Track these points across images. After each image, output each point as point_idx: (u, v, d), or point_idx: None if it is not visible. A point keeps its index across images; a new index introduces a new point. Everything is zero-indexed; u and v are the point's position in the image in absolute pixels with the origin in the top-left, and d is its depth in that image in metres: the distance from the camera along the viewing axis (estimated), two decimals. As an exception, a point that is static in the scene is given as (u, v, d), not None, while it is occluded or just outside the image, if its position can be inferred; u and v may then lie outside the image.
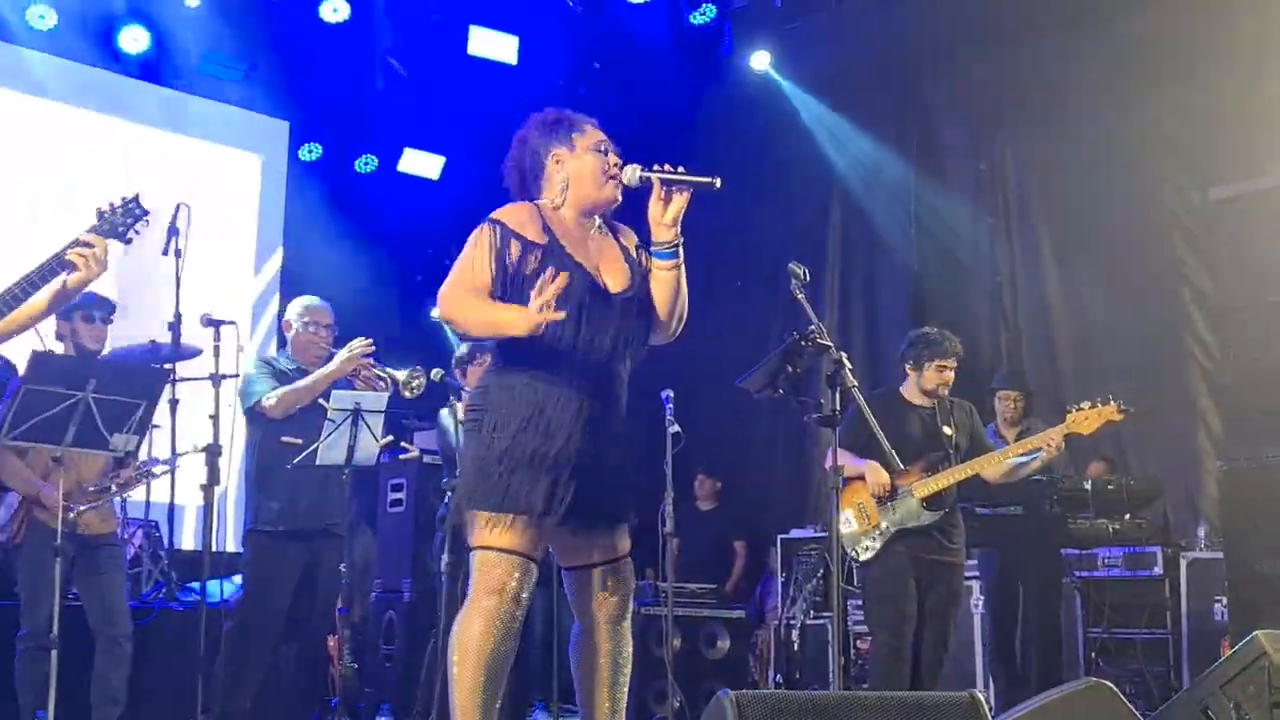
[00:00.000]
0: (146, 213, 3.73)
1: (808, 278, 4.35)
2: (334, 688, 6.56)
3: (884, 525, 5.67)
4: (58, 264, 3.53)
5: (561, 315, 3.37)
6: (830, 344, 4.32)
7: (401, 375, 5.83)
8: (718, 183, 3.49)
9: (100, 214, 3.69)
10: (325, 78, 9.91)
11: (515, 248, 3.50)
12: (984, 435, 6.08)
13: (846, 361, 4.25)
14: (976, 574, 7.18)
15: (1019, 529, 6.89)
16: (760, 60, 9.59)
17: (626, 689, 3.63)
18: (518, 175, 3.71)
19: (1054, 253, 8.70)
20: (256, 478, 5.78)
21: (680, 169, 3.54)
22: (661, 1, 9.51)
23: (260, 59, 9.62)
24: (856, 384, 4.25)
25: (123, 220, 3.69)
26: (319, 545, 5.74)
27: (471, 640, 3.40)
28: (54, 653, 5.01)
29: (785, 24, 9.51)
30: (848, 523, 5.72)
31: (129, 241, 3.72)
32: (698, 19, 9.53)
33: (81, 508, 5.28)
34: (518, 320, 3.38)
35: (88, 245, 3.57)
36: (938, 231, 9.24)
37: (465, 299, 3.48)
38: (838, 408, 4.31)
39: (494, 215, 3.58)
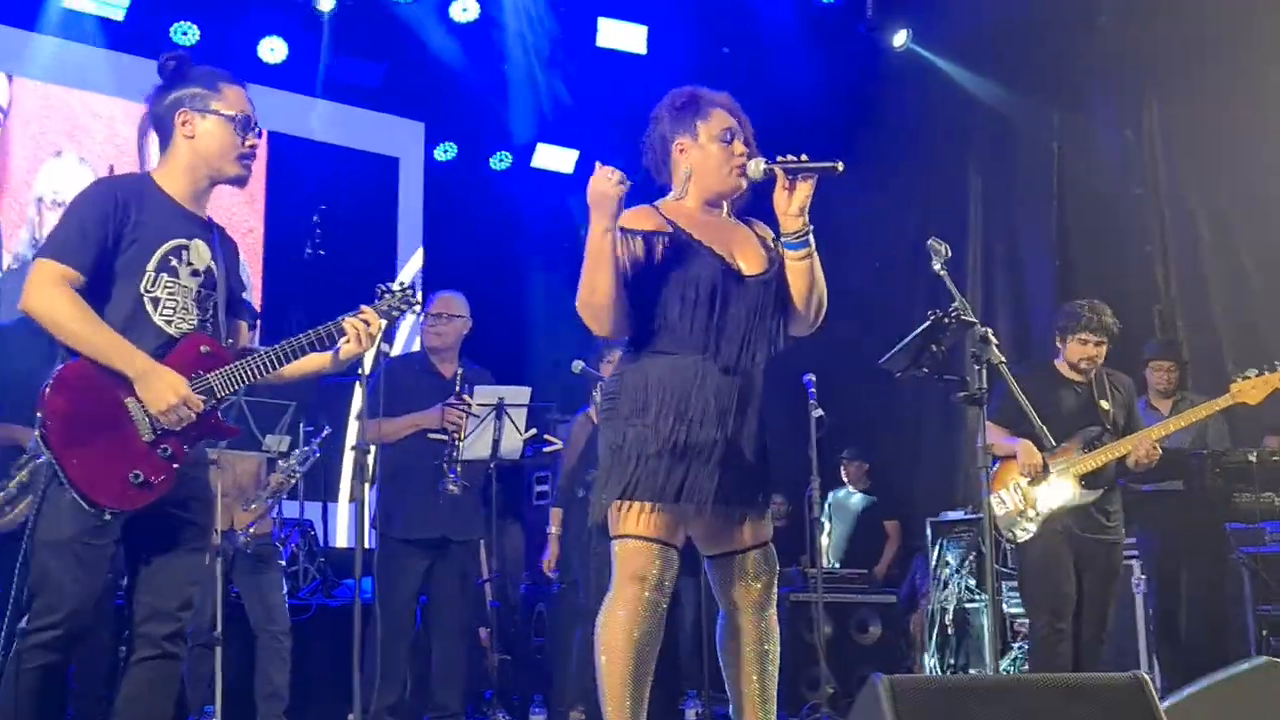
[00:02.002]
0: (419, 303, 3.90)
1: (949, 253, 4.25)
2: (488, 680, 6.64)
3: (1040, 506, 5.55)
4: (337, 330, 3.65)
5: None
6: (974, 320, 4.22)
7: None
8: (840, 167, 3.43)
9: (379, 294, 3.82)
10: (457, 77, 10.02)
11: (638, 244, 3.49)
12: (1139, 412, 5.90)
13: (992, 337, 4.15)
14: (1136, 553, 6.99)
15: (1180, 505, 6.68)
16: (899, 35, 9.42)
17: (776, 676, 3.59)
18: (651, 155, 3.71)
19: (1207, 219, 8.38)
20: (381, 479, 5.93)
21: (803, 156, 3.49)
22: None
23: (393, 61, 9.77)
24: (1004, 359, 4.14)
25: (397, 305, 3.83)
26: (437, 553, 5.85)
27: (616, 629, 3.39)
28: (218, 650, 5.17)
29: (922, -4, 9.36)
30: (1002, 504, 5.62)
31: (395, 326, 3.85)
32: (827, -3, 9.43)
33: (245, 534, 5.41)
34: (594, 218, 3.36)
35: (365, 321, 3.68)
36: (1083, 202, 8.98)
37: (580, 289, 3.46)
38: (984, 385, 4.21)
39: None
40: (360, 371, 5.61)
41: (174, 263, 3.47)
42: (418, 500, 5.80)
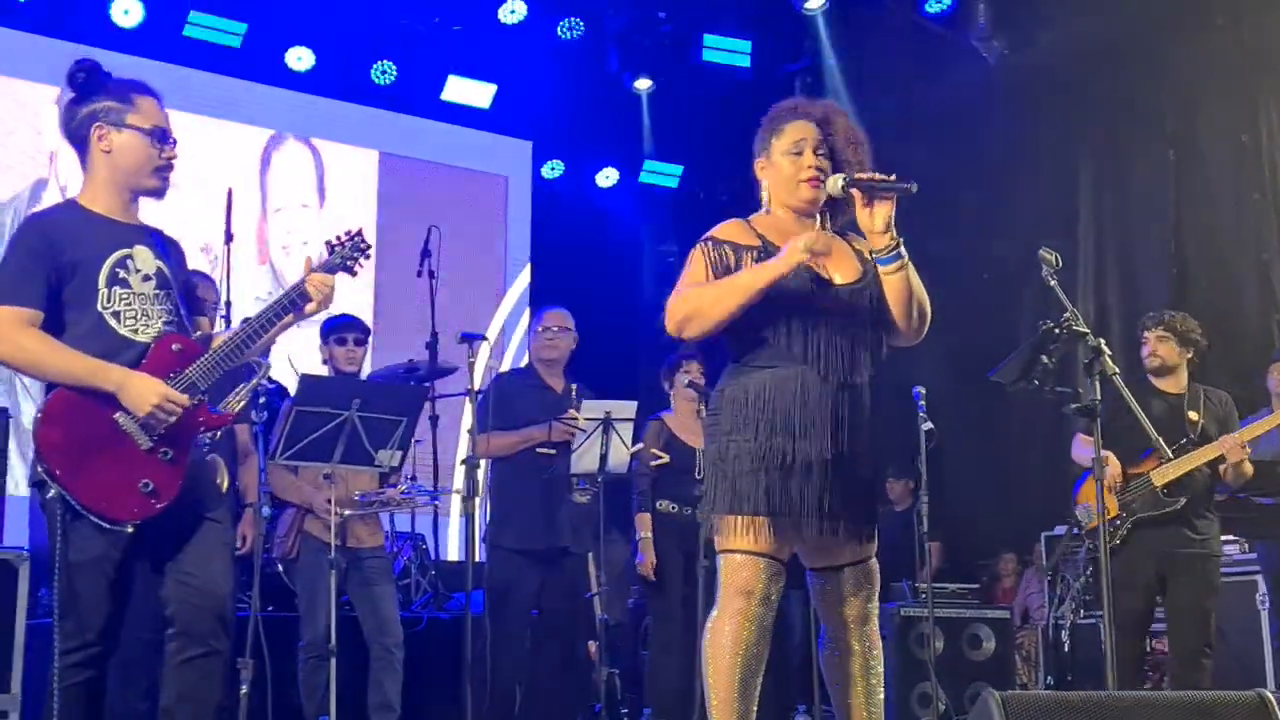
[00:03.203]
0: (369, 246, 3.88)
1: (1059, 264, 4.19)
2: (596, 694, 6.66)
3: (1123, 516, 5.52)
4: (299, 296, 3.69)
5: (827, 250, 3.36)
6: (1086, 330, 4.15)
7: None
8: (913, 188, 3.40)
9: (331, 248, 3.84)
10: (564, 95, 10.12)
11: (730, 255, 3.52)
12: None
13: (1105, 348, 4.08)
14: (1259, 568, 6.81)
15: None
16: (1001, 42, 9.31)
17: (882, 691, 3.56)
18: None
19: (1327, 225, 8.16)
20: (495, 491, 5.99)
21: (891, 176, 3.44)
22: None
23: (502, 81, 9.89)
24: (1117, 371, 4.07)
25: (350, 254, 3.84)
26: (552, 565, 5.88)
27: (723, 644, 3.40)
28: (332, 661, 5.25)
29: (1030, 2, 9.22)
30: (1088, 517, 5.61)
31: (354, 274, 3.88)
32: (934, 7, 9.32)
33: (347, 512, 5.49)
34: (774, 262, 3.39)
35: (324, 282, 3.72)
36: (1199, 209, 8.78)
37: (691, 292, 3.49)
38: (1098, 397, 4.14)
39: (706, 235, 3.61)
40: (469, 387, 5.70)
41: (122, 274, 3.50)
42: (534, 512, 5.85)
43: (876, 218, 3.44)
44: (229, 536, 3.69)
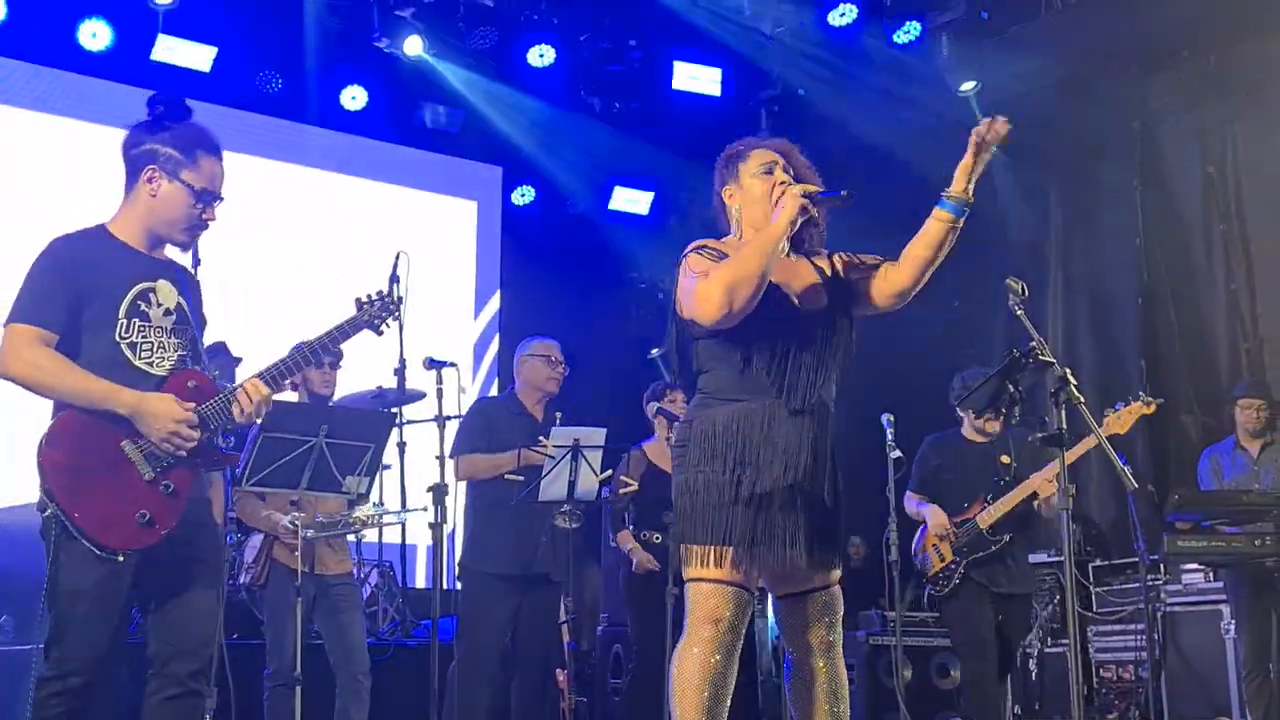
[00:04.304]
0: (399, 307, 3.89)
1: (1026, 293, 4.22)
2: (564, 721, 6.64)
3: (958, 560, 5.85)
4: (326, 350, 3.73)
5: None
6: (1053, 360, 4.18)
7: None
8: (847, 196, 3.51)
9: (360, 305, 3.85)
10: (535, 122, 10.12)
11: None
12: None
13: (1071, 377, 4.10)
14: (1225, 597, 6.84)
15: (1271, 548, 6.53)
16: (967, 76, 9.36)
17: (848, 717, 3.56)
18: (714, 206, 3.78)
19: (1295, 254, 8.23)
20: (473, 515, 5.96)
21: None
22: (863, 23, 9.39)
23: (472, 107, 9.89)
24: (1082, 399, 4.09)
25: (379, 314, 3.85)
26: (530, 591, 5.86)
27: (691, 672, 3.39)
28: (298, 689, 5.21)
29: (995, 34, 9.28)
30: (928, 564, 5.97)
31: (380, 334, 3.88)
32: (901, 38, 9.37)
33: (311, 533, 5.45)
34: (779, 215, 3.45)
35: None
36: (1165, 240, 8.85)
37: (718, 269, 3.45)
38: (1064, 425, 4.16)
39: (698, 244, 3.63)
40: (438, 414, 5.68)
41: (143, 306, 3.51)
42: (514, 537, 5.81)
43: (970, 169, 3.65)
44: (218, 579, 3.65)
